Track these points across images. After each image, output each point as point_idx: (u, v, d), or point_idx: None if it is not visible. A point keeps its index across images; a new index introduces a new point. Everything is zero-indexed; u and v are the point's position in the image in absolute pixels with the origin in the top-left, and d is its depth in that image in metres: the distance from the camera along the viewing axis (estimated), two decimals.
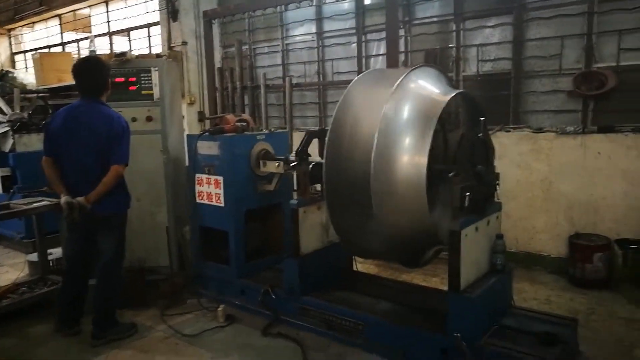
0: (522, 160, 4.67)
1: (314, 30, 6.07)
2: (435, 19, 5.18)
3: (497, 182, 3.22)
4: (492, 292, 3.02)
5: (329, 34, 5.99)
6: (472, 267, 2.96)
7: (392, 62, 4.82)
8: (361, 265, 4.40)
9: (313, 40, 6.09)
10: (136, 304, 3.99)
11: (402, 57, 5.28)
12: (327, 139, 3.06)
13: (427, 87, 3.04)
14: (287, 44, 6.35)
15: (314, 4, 5.75)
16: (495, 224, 3.21)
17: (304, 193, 3.61)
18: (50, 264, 4.46)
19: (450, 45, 5.05)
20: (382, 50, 5.34)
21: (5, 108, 6.30)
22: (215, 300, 4.00)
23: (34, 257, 4.61)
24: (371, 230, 3.03)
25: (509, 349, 2.77)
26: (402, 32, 5.25)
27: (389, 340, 3.16)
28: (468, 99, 3.19)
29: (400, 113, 2.88)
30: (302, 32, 6.24)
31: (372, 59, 5.61)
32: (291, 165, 3.63)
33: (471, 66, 4.97)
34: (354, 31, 5.70)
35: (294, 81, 6.00)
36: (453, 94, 2.94)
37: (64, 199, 3.29)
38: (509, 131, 4.72)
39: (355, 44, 5.66)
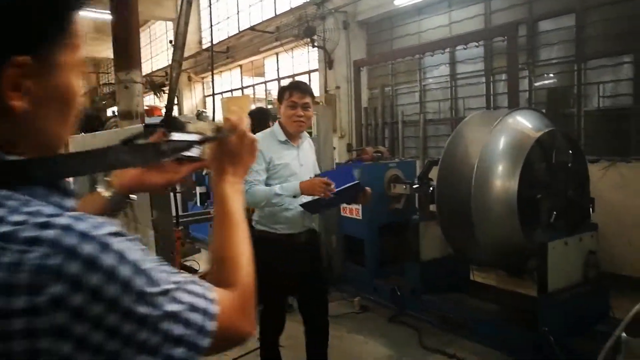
0: None
1: (447, 72, 6.90)
2: (558, 60, 5.65)
3: (591, 206, 3.74)
4: (581, 298, 3.53)
5: (461, 76, 6.76)
6: (561, 276, 3.51)
7: (512, 100, 5.46)
8: (481, 278, 5.04)
9: (447, 81, 6.91)
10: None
11: (527, 95, 5.84)
12: (439, 166, 3.93)
13: (524, 124, 3.74)
14: (424, 85, 7.26)
15: (448, 51, 6.59)
16: (590, 241, 3.71)
17: (424, 210, 4.47)
18: None
19: (571, 85, 5.47)
20: None
21: None
22: (353, 293, 5.00)
23: None
24: (474, 241, 3.78)
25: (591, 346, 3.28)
26: (527, 72, 5.82)
27: (489, 333, 3.83)
28: (563, 135, 3.78)
29: (497, 145, 3.63)
30: (437, 74, 7.10)
31: (499, 97, 6.23)
32: (414, 187, 4.52)
33: (592, 102, 5.34)
34: (482, 73, 6.40)
35: (429, 117, 6.88)
36: (545, 131, 3.60)
37: None
38: (630, 162, 4.99)
39: (484, 84, 6.35)
